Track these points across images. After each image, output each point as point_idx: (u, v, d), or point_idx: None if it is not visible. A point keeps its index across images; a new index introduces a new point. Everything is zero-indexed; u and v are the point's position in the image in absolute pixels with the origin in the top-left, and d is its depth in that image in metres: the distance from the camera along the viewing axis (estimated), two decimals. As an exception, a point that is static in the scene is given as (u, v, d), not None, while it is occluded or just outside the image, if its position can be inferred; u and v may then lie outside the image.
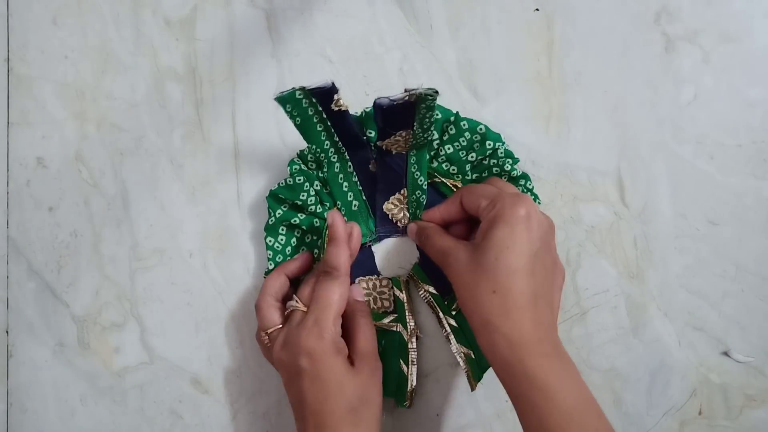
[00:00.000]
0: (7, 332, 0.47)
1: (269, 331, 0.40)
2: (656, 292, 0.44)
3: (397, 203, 0.44)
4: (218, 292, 0.46)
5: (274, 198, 0.43)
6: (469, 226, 0.41)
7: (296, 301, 0.39)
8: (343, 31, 0.46)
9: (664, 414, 0.43)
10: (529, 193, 0.43)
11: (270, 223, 0.43)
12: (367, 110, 0.43)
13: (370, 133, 0.43)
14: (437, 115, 0.42)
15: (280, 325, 0.40)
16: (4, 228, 0.47)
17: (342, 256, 0.39)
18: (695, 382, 0.43)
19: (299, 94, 0.39)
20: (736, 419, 0.43)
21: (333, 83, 0.38)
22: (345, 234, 0.40)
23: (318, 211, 0.43)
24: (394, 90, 0.46)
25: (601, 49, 0.45)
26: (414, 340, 0.43)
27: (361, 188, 0.44)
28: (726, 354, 0.43)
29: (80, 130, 0.47)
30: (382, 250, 0.45)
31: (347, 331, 0.40)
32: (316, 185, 0.43)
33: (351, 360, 0.39)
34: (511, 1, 0.45)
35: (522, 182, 0.43)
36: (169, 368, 0.46)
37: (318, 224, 0.43)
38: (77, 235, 0.47)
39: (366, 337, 0.40)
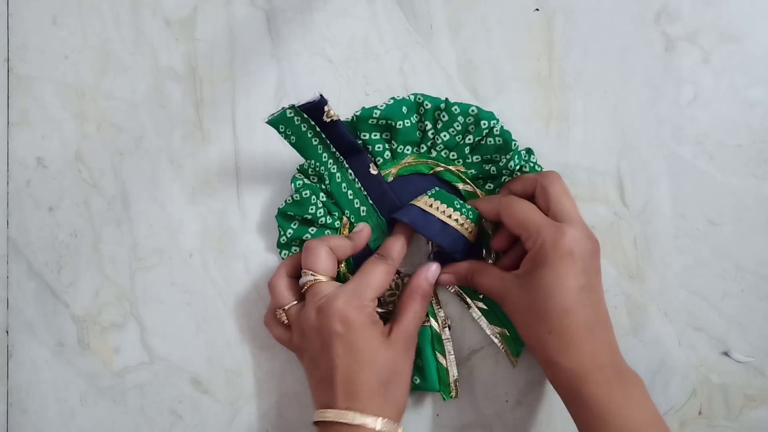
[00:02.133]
0: (7, 332, 0.47)
1: (287, 307, 0.40)
2: (656, 292, 0.44)
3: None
4: (218, 292, 0.46)
5: (284, 216, 0.43)
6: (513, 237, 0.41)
7: (312, 274, 0.39)
8: (343, 31, 0.46)
9: (664, 414, 0.43)
10: (532, 165, 0.43)
11: (282, 241, 0.44)
12: (357, 114, 0.43)
13: (364, 136, 0.43)
14: (427, 105, 0.43)
15: (296, 302, 0.40)
16: (4, 228, 0.47)
17: (398, 247, 0.41)
18: (695, 382, 0.43)
19: (290, 113, 0.39)
20: (736, 419, 0.43)
21: (321, 95, 0.38)
22: (405, 233, 0.42)
23: (328, 222, 0.43)
24: (394, 90, 0.46)
25: (601, 49, 0.45)
26: (447, 330, 0.43)
27: (365, 193, 0.43)
28: (726, 354, 0.43)
29: (80, 130, 0.47)
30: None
31: (397, 309, 0.40)
32: (322, 197, 0.43)
33: (388, 334, 0.39)
34: (511, 1, 0.45)
35: (527, 158, 0.43)
36: (169, 368, 0.46)
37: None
38: (77, 235, 0.47)
39: (411, 317, 0.40)
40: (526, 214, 0.38)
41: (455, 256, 0.41)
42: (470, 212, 0.41)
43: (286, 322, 0.41)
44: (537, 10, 0.45)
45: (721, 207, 0.44)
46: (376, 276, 0.39)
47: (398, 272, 0.44)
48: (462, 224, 0.40)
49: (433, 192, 0.42)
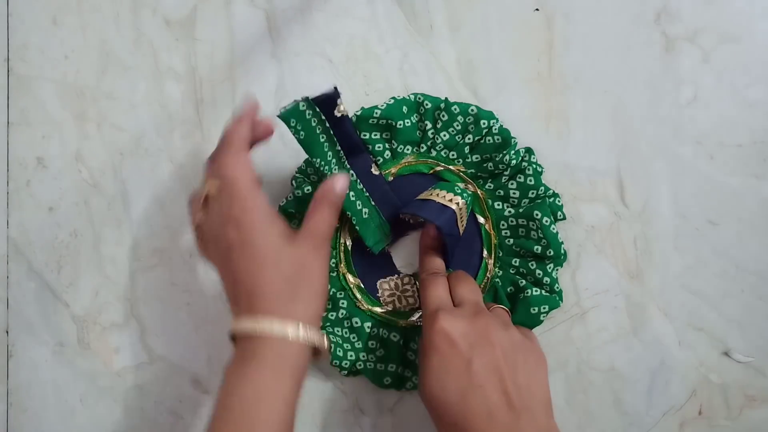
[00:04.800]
0: (7, 332, 0.47)
1: (202, 207, 0.37)
2: (656, 292, 0.44)
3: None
4: (218, 292, 0.46)
5: (284, 214, 0.43)
6: None
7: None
8: (343, 31, 0.46)
9: (664, 414, 0.43)
10: (534, 166, 0.42)
11: None
12: (358, 113, 0.43)
13: (365, 135, 0.43)
14: (427, 104, 0.43)
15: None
16: (4, 228, 0.47)
17: (240, 131, 0.37)
18: (695, 382, 0.43)
19: (303, 106, 0.39)
20: (736, 419, 0.43)
21: (335, 87, 0.38)
22: (249, 112, 0.39)
23: None
24: (394, 90, 0.46)
25: (601, 49, 0.45)
26: None
27: (368, 195, 0.43)
28: (726, 354, 0.43)
29: (80, 130, 0.47)
30: (398, 249, 0.45)
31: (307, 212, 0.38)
32: None
33: (289, 234, 0.36)
34: (511, 1, 0.45)
35: (527, 157, 0.43)
36: (169, 368, 0.46)
37: None
38: (77, 235, 0.47)
39: (319, 219, 0.37)
40: (426, 294, 0.38)
41: (449, 240, 0.40)
42: (465, 193, 0.40)
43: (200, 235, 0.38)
44: (537, 10, 0.45)
45: (721, 207, 0.44)
46: (234, 166, 0.36)
47: (398, 272, 0.44)
48: (461, 208, 0.40)
49: (435, 186, 0.42)
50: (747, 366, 0.43)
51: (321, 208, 0.37)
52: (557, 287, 0.42)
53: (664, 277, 0.44)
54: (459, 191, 0.40)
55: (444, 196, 0.40)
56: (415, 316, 0.43)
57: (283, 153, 0.46)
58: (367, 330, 0.42)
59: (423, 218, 0.40)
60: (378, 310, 0.43)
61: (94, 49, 0.48)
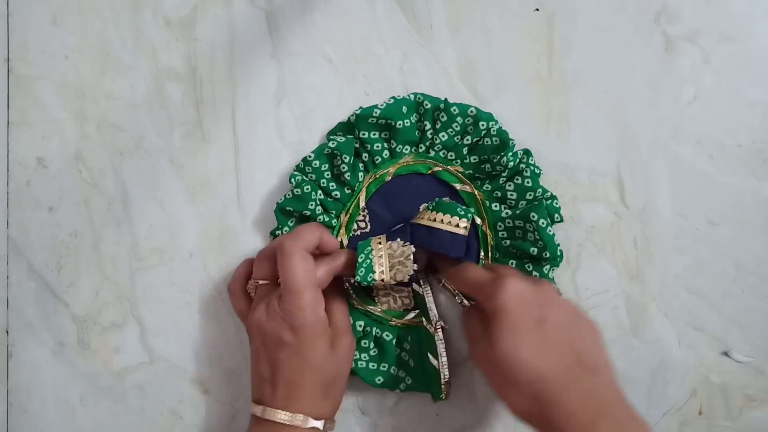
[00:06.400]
0: (7, 332, 0.47)
1: (261, 282, 0.40)
2: (656, 292, 0.44)
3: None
4: (218, 293, 0.46)
5: (282, 211, 0.43)
6: None
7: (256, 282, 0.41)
8: (343, 31, 0.46)
9: (664, 414, 0.43)
10: (532, 168, 0.42)
11: (278, 235, 0.44)
12: (357, 112, 0.43)
13: (363, 134, 0.43)
14: (427, 105, 0.43)
15: (269, 282, 0.40)
16: (4, 228, 0.47)
17: (308, 234, 0.40)
18: (695, 382, 0.43)
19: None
20: (736, 419, 0.43)
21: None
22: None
23: (325, 220, 0.43)
24: (394, 90, 0.46)
25: (601, 49, 0.45)
26: (440, 331, 0.42)
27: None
28: (726, 354, 0.43)
29: (80, 130, 0.47)
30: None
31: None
32: (320, 194, 0.43)
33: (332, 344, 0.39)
34: (511, 1, 0.45)
35: (525, 159, 0.43)
36: (169, 368, 0.46)
37: None
38: (77, 235, 0.47)
39: (341, 313, 0.40)
40: (472, 274, 0.38)
41: (460, 258, 0.41)
42: (468, 213, 0.41)
43: (253, 294, 0.41)
44: (537, 10, 0.45)
45: (721, 207, 0.44)
46: (297, 273, 0.38)
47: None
48: (467, 228, 0.40)
49: (433, 204, 0.42)
50: (747, 366, 0.43)
51: (337, 302, 0.41)
52: (556, 288, 0.42)
53: (664, 277, 0.44)
54: (462, 213, 0.40)
55: (450, 222, 0.40)
56: (410, 316, 0.43)
57: (284, 153, 0.46)
58: (359, 328, 0.42)
59: (437, 251, 0.40)
60: (372, 308, 0.43)
61: (94, 49, 0.48)
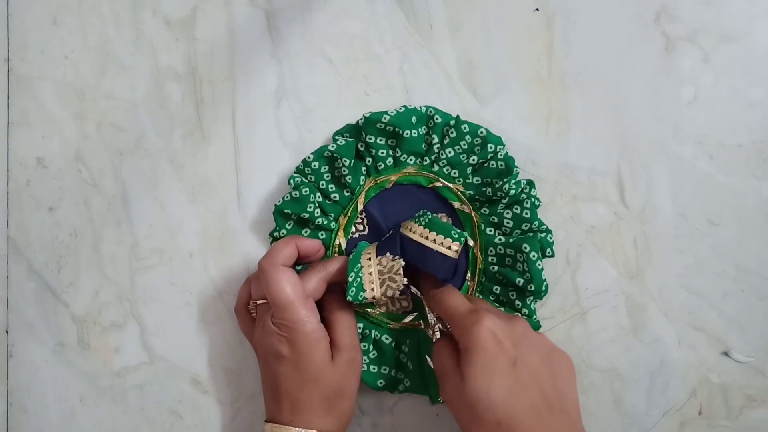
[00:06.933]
0: (7, 332, 0.47)
1: (259, 303, 0.40)
2: (656, 292, 0.44)
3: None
4: (218, 292, 0.46)
5: (280, 213, 0.43)
6: None
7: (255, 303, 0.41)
8: (343, 31, 0.46)
9: (664, 414, 0.43)
10: (533, 200, 0.42)
11: (276, 236, 0.44)
12: (366, 116, 0.43)
13: (370, 139, 0.43)
14: (437, 119, 0.43)
15: (266, 300, 0.40)
16: (4, 228, 0.47)
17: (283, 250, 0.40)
18: (695, 382, 0.43)
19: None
20: (736, 419, 0.43)
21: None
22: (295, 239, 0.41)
23: (324, 223, 0.43)
24: (394, 90, 0.46)
25: (601, 49, 0.45)
26: (437, 334, 0.42)
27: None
28: (726, 354, 0.43)
29: (80, 130, 0.47)
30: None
31: (327, 324, 0.40)
32: (318, 196, 0.43)
33: (330, 350, 0.39)
34: (511, 1, 0.45)
35: (527, 189, 0.42)
36: (169, 368, 0.46)
37: (323, 236, 0.44)
38: (77, 235, 0.47)
39: (345, 329, 0.40)
40: (451, 303, 0.38)
41: (447, 279, 0.40)
42: (463, 237, 0.40)
43: (254, 314, 0.41)
44: (537, 10, 0.45)
45: (721, 207, 0.44)
46: (285, 289, 0.38)
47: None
48: (458, 251, 0.39)
49: (426, 221, 0.41)
50: (747, 366, 0.43)
51: (343, 319, 0.41)
52: (535, 318, 0.42)
53: (664, 277, 0.44)
54: (456, 236, 0.39)
55: (442, 243, 0.39)
56: (408, 319, 0.43)
57: (283, 153, 0.46)
58: (358, 330, 0.42)
59: (427, 271, 0.39)
60: (370, 311, 0.43)
61: (94, 49, 0.48)
